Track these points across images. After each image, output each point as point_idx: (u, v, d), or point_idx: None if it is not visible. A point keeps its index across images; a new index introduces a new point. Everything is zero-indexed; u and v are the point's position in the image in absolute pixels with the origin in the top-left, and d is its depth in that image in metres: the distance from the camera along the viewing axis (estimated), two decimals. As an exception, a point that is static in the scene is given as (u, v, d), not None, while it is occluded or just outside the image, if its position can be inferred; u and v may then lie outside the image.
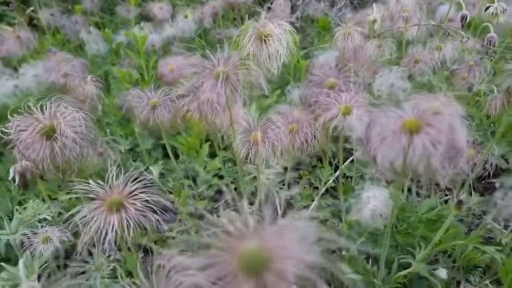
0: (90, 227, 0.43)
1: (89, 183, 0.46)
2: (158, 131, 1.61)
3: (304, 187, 1.27)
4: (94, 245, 0.75)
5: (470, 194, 0.94)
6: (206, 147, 1.40)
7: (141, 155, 1.46)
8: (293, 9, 3.17)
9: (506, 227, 0.90)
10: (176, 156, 1.57)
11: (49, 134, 0.51)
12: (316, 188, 1.32)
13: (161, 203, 0.46)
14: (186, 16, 2.30)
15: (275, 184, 1.16)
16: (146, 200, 0.46)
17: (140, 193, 0.47)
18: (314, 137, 0.67)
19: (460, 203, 0.60)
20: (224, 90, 0.51)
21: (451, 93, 0.70)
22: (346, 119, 0.58)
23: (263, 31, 0.65)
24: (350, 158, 1.35)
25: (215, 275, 0.24)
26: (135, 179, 0.48)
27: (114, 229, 0.43)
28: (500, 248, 0.68)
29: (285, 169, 1.58)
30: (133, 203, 0.45)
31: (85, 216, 0.45)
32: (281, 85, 1.92)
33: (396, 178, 0.49)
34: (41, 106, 0.53)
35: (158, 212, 0.46)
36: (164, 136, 0.86)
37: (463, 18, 1.33)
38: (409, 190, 1.12)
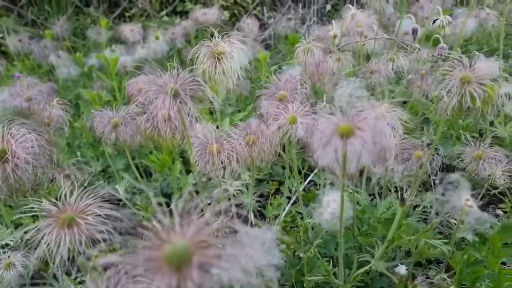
0: (42, 244, 0.44)
1: (41, 202, 0.47)
2: (131, 152, 1.62)
3: (275, 197, 1.30)
4: (58, 268, 0.76)
5: (426, 192, 0.99)
6: (177, 164, 1.42)
7: (113, 176, 1.46)
8: (265, 27, 3.28)
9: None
10: (150, 175, 1.58)
11: (1, 156, 0.52)
12: (289, 198, 1.36)
13: (116, 217, 0.48)
14: (157, 38, 2.34)
15: (247, 195, 1.19)
16: (99, 215, 0.47)
17: (93, 209, 0.48)
18: (269, 147, 0.71)
19: (402, 199, 0.64)
20: (174, 105, 0.54)
21: (394, 100, 0.75)
22: (293, 128, 0.62)
23: (216, 49, 0.69)
24: (318, 168, 1.39)
25: (142, 270, 0.26)
26: (92, 195, 0.50)
27: (65, 246, 0.44)
28: (447, 241, 0.72)
29: (259, 180, 1.61)
30: (85, 218, 0.47)
31: (37, 235, 0.46)
32: (252, 101, 1.97)
33: (336, 179, 0.53)
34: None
35: (115, 227, 0.48)
36: (128, 155, 0.88)
37: (414, 31, 1.42)
38: (374, 194, 1.17)
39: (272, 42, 3.17)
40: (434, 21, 1.35)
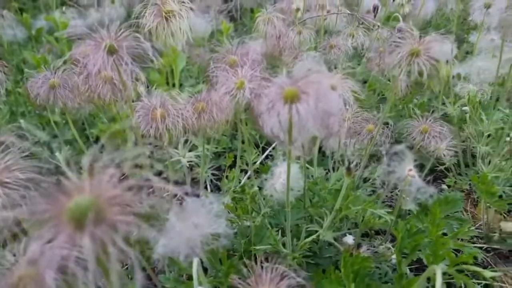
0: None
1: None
2: (81, 121, 1.52)
3: (231, 170, 1.29)
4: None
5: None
6: (131, 135, 1.36)
7: (60, 146, 1.38)
8: (230, 0, 3.17)
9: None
10: (103, 147, 1.50)
11: None
12: (245, 171, 1.35)
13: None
14: (112, 1, 2.19)
15: (203, 168, 1.16)
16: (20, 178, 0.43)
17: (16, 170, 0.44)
18: (218, 113, 0.68)
19: (348, 169, 0.65)
20: (109, 61, 0.50)
21: (346, 72, 0.75)
22: (241, 92, 0.60)
23: (164, 8, 0.65)
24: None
25: (46, 231, 0.24)
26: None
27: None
28: (391, 210, 0.75)
29: (217, 154, 1.59)
30: (5, 182, 0.43)
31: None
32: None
33: (281, 146, 0.52)
34: None
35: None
36: (70, 122, 0.82)
37: (375, 8, 1.43)
38: (327, 168, 1.19)
39: (238, 15, 3.08)
40: (393, 0, 1.36)
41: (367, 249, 0.84)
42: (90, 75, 0.53)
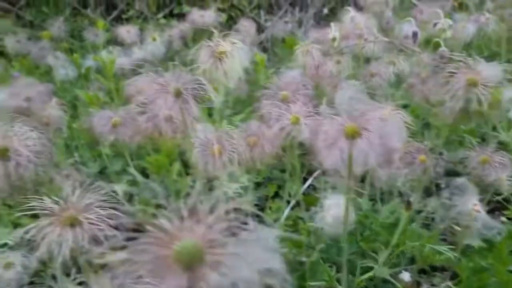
0: (44, 243, 0.43)
1: (43, 201, 0.46)
2: (128, 153, 1.60)
3: (274, 201, 1.29)
4: (57, 268, 0.74)
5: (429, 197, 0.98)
6: (175, 166, 1.41)
7: (110, 177, 1.45)
8: (262, 30, 3.28)
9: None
10: (147, 177, 1.56)
11: (2, 153, 0.51)
12: (288, 202, 1.34)
13: (119, 219, 0.47)
14: (154, 39, 2.34)
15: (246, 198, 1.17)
16: (102, 215, 0.46)
17: (96, 208, 0.47)
18: (271, 148, 0.70)
19: (408, 203, 0.63)
20: (175, 105, 0.54)
21: (397, 102, 0.75)
22: (296, 128, 0.61)
23: (217, 49, 0.69)
24: (317, 172, 1.39)
25: (149, 268, 0.25)
26: (95, 195, 0.49)
27: (67, 245, 0.43)
28: (453, 247, 0.72)
29: (257, 184, 1.60)
30: (88, 218, 0.46)
31: (39, 234, 0.45)
32: (250, 103, 1.96)
33: (342, 181, 0.52)
34: (-5, 128, 0.53)
35: (116, 228, 0.47)
36: (127, 156, 0.87)
37: (415, 34, 1.43)
38: (375, 199, 1.16)
39: (269, 45, 3.17)
40: (435, 24, 1.36)
41: None
42: (156, 116, 0.57)
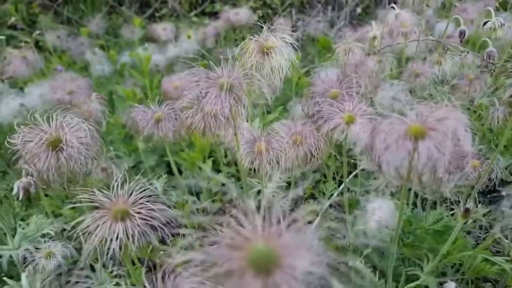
0: (95, 236, 0.43)
1: (93, 193, 0.46)
2: (162, 148, 1.61)
3: (308, 202, 1.25)
4: (96, 260, 0.74)
5: (476, 207, 0.92)
6: (209, 163, 1.40)
7: (145, 172, 1.46)
8: (293, 29, 3.24)
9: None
10: (180, 173, 1.57)
11: (55, 144, 0.51)
12: (321, 203, 1.31)
13: (166, 214, 0.46)
14: (189, 36, 2.36)
15: (279, 199, 1.15)
16: (152, 209, 0.45)
17: (145, 202, 0.46)
18: (318, 148, 0.67)
19: (467, 211, 0.59)
20: (229, 100, 0.52)
21: (453, 103, 0.70)
22: (350, 128, 0.58)
23: (265, 44, 0.67)
24: (354, 172, 1.34)
25: (223, 272, 0.24)
26: (140, 190, 0.48)
27: (118, 238, 0.43)
28: (509, 258, 0.67)
29: (289, 184, 1.57)
30: (139, 212, 0.45)
31: (89, 226, 0.44)
32: (283, 102, 1.94)
33: (402, 184, 0.49)
34: (47, 118, 0.54)
35: (162, 224, 0.46)
36: (168, 151, 0.86)
37: (462, 33, 1.35)
38: (415, 204, 1.11)
39: (300, 44, 3.13)
40: (484, 23, 1.28)
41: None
42: (203, 111, 0.55)
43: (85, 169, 0.53)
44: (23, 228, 0.76)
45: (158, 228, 0.45)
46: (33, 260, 0.71)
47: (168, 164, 1.52)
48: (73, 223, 0.46)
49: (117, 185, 0.47)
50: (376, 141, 0.48)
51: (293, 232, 0.28)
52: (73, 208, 0.82)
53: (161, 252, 0.70)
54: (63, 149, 0.51)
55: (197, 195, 1.45)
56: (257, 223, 0.26)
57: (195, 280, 0.25)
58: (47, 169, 0.50)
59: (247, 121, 1.32)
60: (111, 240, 0.43)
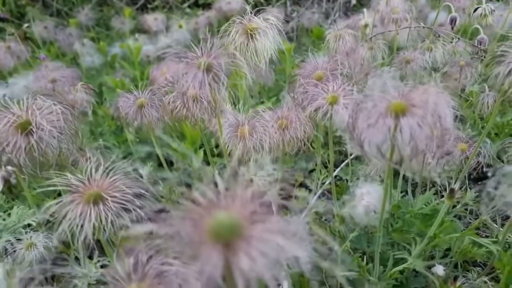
0: (66, 220, 0.41)
1: (66, 177, 0.44)
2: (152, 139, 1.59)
3: (299, 190, 1.25)
4: (80, 251, 0.73)
5: (466, 192, 0.92)
6: (200, 153, 1.39)
7: (135, 163, 1.44)
8: (287, 21, 3.21)
9: (505, 219, 0.88)
10: (171, 164, 1.55)
11: (24, 127, 0.49)
12: (310, 190, 1.31)
13: (143, 197, 0.44)
14: (180, 26, 2.32)
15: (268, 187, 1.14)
16: (127, 193, 0.44)
17: (121, 186, 0.45)
18: (304, 132, 0.66)
19: (452, 191, 0.58)
20: (207, 80, 0.50)
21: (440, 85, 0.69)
22: (333, 108, 0.57)
23: (249, 25, 0.65)
24: (346, 161, 1.34)
25: (183, 243, 0.22)
26: (120, 174, 0.47)
27: (91, 222, 0.41)
28: (496, 240, 0.66)
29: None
30: (113, 196, 0.43)
31: (61, 211, 0.43)
32: (276, 93, 1.92)
33: (385, 164, 0.48)
34: (18, 102, 0.52)
35: (139, 207, 0.44)
36: (154, 141, 0.85)
37: (453, 20, 1.34)
38: (406, 191, 1.10)
39: (295, 35, 3.10)
40: (475, 10, 1.27)
41: (462, 283, 0.74)
42: (184, 94, 0.54)
43: (57, 154, 0.51)
44: (3, 219, 0.74)
45: (133, 211, 0.43)
46: (14, 251, 0.70)
47: (159, 156, 1.50)
48: (50, 211, 0.45)
49: (92, 169, 0.45)
50: (358, 120, 0.47)
51: (260, 205, 0.27)
52: (56, 197, 0.80)
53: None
54: (33, 131, 0.49)
55: (189, 186, 1.43)
56: (221, 193, 0.25)
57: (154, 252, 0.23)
58: (17, 153, 0.48)
59: (238, 111, 1.30)
60: (82, 225, 0.41)
